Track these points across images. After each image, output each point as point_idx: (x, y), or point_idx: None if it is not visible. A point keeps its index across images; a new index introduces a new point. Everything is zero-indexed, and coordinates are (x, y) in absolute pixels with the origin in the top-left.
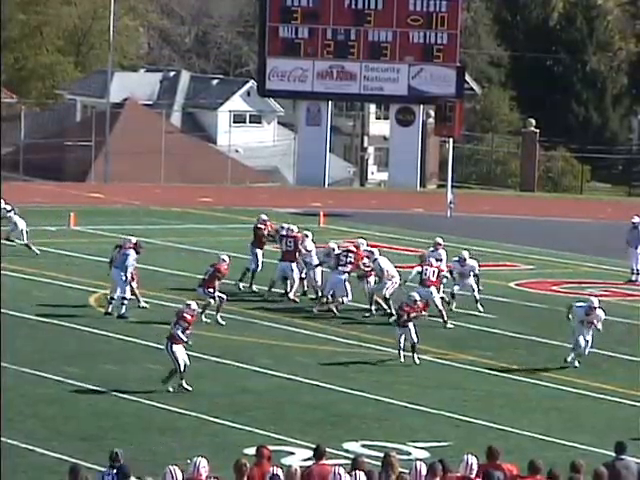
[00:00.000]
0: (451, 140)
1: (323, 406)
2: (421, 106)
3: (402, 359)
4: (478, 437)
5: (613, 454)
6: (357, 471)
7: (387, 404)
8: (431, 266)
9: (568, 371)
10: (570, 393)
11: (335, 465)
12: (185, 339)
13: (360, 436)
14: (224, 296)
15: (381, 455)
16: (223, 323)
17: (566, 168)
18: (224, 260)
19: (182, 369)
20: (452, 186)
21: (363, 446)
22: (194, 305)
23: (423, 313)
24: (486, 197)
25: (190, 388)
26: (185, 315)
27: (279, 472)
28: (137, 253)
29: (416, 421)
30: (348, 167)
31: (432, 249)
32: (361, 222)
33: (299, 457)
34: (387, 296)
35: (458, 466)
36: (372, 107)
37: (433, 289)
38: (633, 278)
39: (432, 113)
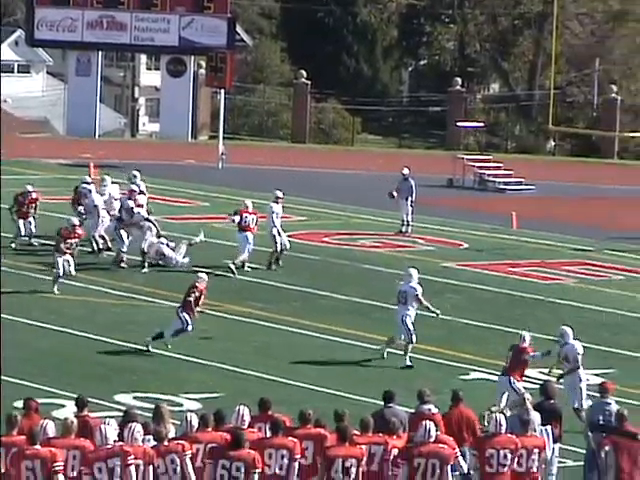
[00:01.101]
0: (222, 91)
1: (95, 359)
2: (192, 57)
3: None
4: (251, 388)
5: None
6: (131, 423)
7: (160, 356)
8: (250, 213)
9: (340, 321)
10: (342, 344)
11: (103, 418)
12: None
13: (132, 388)
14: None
15: (153, 407)
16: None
17: (337, 120)
18: (74, 224)
19: None
20: (224, 137)
21: (135, 398)
22: None
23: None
24: (258, 148)
25: None
26: None
27: (49, 424)
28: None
29: (189, 373)
30: (119, 118)
31: (274, 200)
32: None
33: (71, 410)
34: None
35: (231, 417)
36: (143, 58)
37: (249, 234)
38: (403, 229)
39: (203, 64)
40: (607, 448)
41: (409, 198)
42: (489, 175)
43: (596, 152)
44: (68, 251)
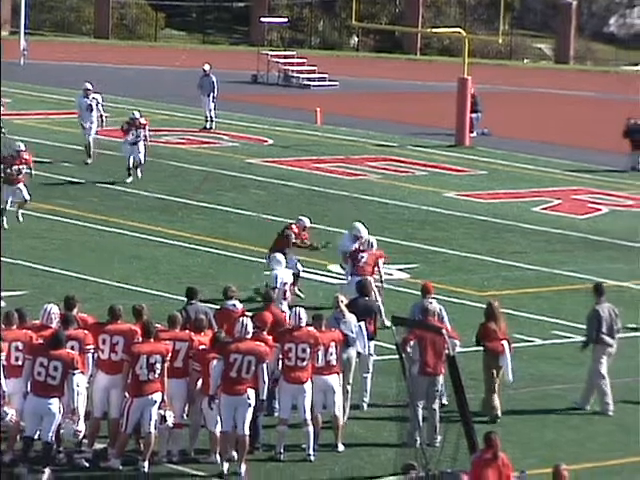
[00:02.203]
0: None
1: None
2: None
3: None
4: (57, 286)
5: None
6: None
7: None
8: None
9: (145, 218)
10: (148, 241)
11: None
12: None
13: None
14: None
15: None
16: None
17: (140, 15)
18: (19, 149)
19: None
20: (25, 33)
21: None
22: None
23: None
24: (61, 44)
25: None
26: None
27: None
28: None
29: None
30: None
31: (83, 96)
32: None
33: None
34: None
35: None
36: None
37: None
38: (207, 125)
39: None
40: (412, 343)
41: (211, 94)
42: (293, 71)
43: (399, 48)
44: (15, 179)
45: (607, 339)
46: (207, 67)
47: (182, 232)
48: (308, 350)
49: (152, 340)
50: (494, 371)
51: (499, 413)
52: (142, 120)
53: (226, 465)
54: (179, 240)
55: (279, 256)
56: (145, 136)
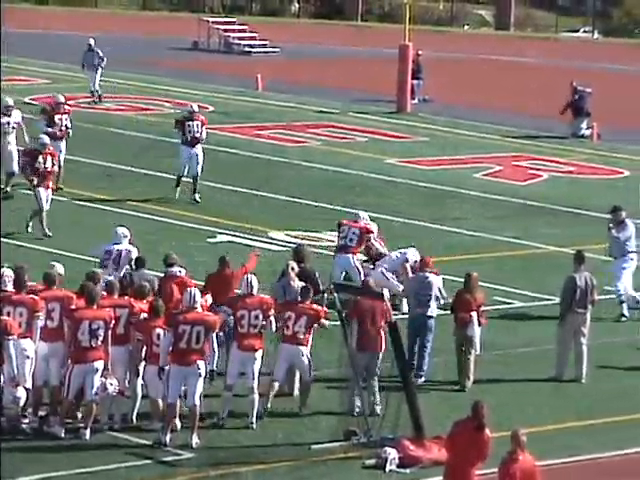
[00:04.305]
0: None
1: None
2: None
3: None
4: None
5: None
6: None
7: None
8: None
9: (86, 187)
10: (90, 209)
11: None
12: None
13: None
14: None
15: None
16: None
17: None
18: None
19: None
20: None
21: None
22: None
23: None
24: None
25: None
26: None
27: None
28: None
29: None
30: None
31: None
32: None
33: None
34: None
35: None
36: None
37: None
38: (96, 100)
39: None
40: (353, 320)
41: (99, 69)
42: (234, 37)
43: (340, 14)
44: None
45: (577, 309)
46: (92, 42)
47: (123, 199)
48: (261, 317)
49: (94, 307)
50: (462, 341)
51: (470, 382)
52: (201, 115)
53: (168, 436)
54: (120, 207)
55: None
56: (201, 134)
